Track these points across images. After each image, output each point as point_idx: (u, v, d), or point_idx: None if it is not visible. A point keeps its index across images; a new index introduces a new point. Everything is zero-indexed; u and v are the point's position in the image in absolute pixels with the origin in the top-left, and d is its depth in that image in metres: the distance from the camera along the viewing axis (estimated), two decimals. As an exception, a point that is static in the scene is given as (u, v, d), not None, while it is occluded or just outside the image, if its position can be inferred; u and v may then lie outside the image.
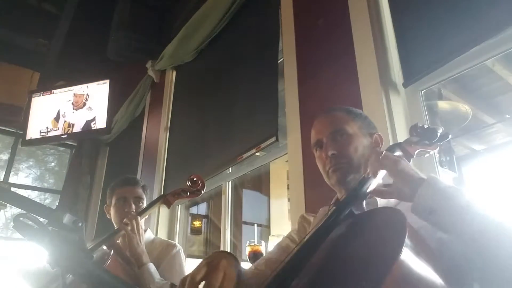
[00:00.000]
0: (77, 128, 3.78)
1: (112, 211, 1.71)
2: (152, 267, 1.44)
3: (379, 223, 0.67)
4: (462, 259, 0.66)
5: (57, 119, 3.83)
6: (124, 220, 1.51)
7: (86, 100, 3.84)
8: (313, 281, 0.62)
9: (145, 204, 1.72)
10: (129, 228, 1.48)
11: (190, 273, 0.76)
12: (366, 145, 1.03)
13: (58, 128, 3.83)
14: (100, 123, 3.73)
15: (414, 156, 1.00)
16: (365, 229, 0.69)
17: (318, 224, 0.70)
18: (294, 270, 0.60)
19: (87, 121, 3.78)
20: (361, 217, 0.71)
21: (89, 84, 3.88)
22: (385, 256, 0.54)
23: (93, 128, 3.73)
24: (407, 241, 0.54)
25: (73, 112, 3.85)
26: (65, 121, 3.82)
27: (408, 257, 0.53)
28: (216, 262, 0.77)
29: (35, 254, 1.63)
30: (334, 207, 0.75)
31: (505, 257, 0.60)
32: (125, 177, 1.80)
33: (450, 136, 1.01)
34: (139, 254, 1.44)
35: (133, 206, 1.67)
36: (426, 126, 1.00)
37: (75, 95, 3.88)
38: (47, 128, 3.86)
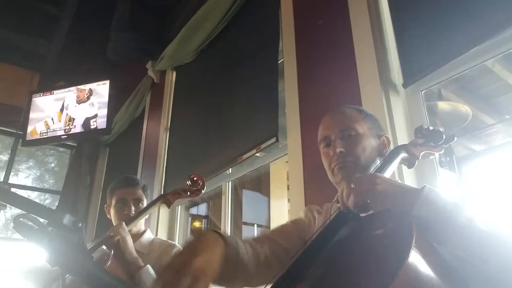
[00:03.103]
0: (77, 125, 3.78)
1: (112, 211, 1.71)
2: (150, 269, 1.44)
3: (386, 225, 0.64)
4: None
5: (61, 109, 3.84)
6: (109, 233, 1.50)
7: (90, 95, 3.84)
8: (319, 284, 0.62)
9: (145, 205, 1.72)
10: (117, 238, 1.48)
11: (168, 261, 0.66)
12: (374, 146, 1.01)
13: (61, 121, 3.84)
14: (100, 122, 3.73)
15: (420, 158, 0.99)
16: (371, 232, 0.67)
17: (323, 226, 0.69)
18: (300, 272, 0.59)
19: (86, 117, 3.75)
20: (367, 220, 0.69)
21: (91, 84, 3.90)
22: (392, 259, 0.53)
23: (92, 127, 3.72)
24: (414, 244, 0.53)
25: (75, 106, 3.84)
26: (67, 114, 3.83)
27: (415, 260, 0.52)
28: (193, 246, 0.68)
29: (35, 255, 1.63)
30: (338, 205, 0.74)
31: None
32: (125, 177, 1.79)
33: (456, 138, 0.99)
34: (135, 259, 1.45)
35: (133, 207, 1.67)
36: (431, 128, 0.99)
37: (77, 89, 3.89)
38: (52, 120, 3.86)
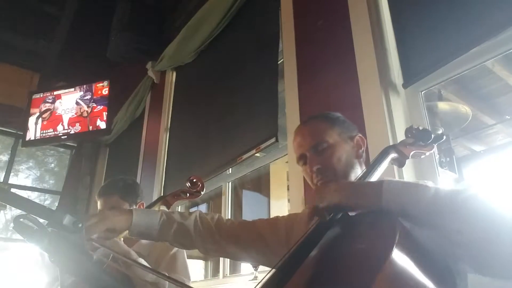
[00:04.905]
0: (77, 125, 3.82)
1: None
2: (144, 262, 1.42)
3: (371, 224, 0.67)
4: (449, 251, 0.64)
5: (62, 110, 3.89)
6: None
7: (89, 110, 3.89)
8: (307, 282, 0.62)
9: (127, 207, 1.64)
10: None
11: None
12: (349, 151, 1.01)
13: (61, 121, 3.89)
14: (100, 123, 3.74)
15: (410, 157, 1.01)
16: (357, 230, 0.69)
17: (313, 225, 0.70)
18: (288, 272, 0.60)
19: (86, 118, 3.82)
20: (354, 219, 0.71)
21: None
22: (376, 256, 0.55)
23: (92, 127, 3.75)
24: (398, 240, 0.55)
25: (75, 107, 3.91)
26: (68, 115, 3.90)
27: (399, 256, 0.54)
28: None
29: (35, 256, 1.63)
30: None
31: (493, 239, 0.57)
32: (102, 186, 1.72)
33: (444, 137, 1.02)
34: (126, 252, 1.41)
35: None
36: (420, 128, 1.02)
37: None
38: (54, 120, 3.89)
